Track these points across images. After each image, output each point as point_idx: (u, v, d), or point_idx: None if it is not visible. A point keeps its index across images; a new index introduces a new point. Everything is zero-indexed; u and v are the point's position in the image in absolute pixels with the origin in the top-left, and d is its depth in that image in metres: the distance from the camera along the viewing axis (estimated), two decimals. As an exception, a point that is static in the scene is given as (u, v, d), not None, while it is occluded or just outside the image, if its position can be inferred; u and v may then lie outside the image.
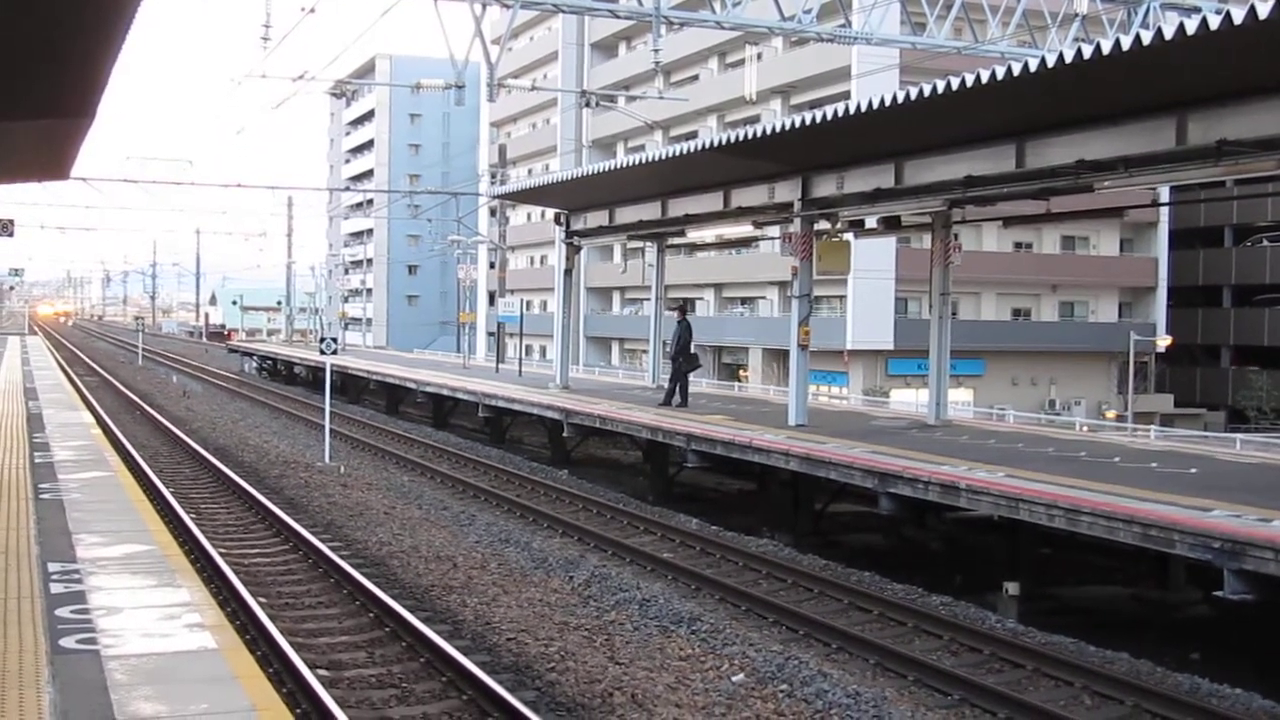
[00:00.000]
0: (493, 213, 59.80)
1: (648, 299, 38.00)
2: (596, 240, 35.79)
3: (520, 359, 44.01)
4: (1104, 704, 10.78)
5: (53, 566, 9.86)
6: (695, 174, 23.31)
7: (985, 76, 13.79)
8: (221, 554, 14.52)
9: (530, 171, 71.56)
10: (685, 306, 26.02)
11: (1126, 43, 11.91)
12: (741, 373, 54.76)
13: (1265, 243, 56.00)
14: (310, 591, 13.68)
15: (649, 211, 26.73)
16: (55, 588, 9.18)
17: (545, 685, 10.45)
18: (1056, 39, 22.97)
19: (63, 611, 8.49)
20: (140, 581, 9.52)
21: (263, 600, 12.53)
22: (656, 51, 21.70)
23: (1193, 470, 15.58)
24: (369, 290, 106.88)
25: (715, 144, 20.19)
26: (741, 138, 19.16)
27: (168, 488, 19.53)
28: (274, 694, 7.28)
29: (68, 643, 7.76)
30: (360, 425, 33.53)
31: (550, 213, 34.49)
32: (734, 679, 10.75)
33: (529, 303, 64.81)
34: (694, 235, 27.48)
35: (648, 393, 28.52)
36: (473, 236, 60.76)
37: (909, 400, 40.23)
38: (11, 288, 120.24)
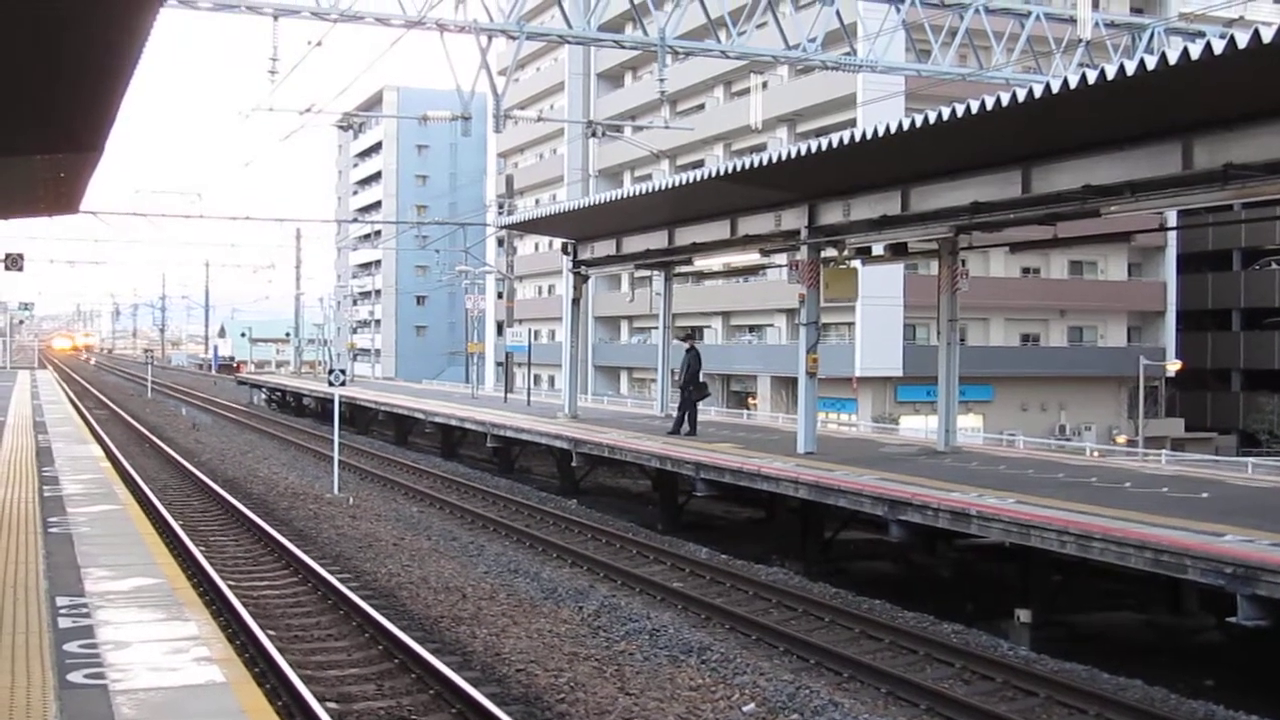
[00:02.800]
0: (500, 243, 59.94)
1: (656, 328, 37.98)
2: (604, 269, 35.85)
3: (529, 389, 43.99)
4: (1118, 732, 10.70)
5: (61, 600, 9.83)
6: (702, 202, 23.35)
7: (990, 103, 13.80)
8: (230, 587, 14.50)
9: (537, 201, 71.72)
10: (693, 335, 25.99)
11: (1131, 68, 11.92)
12: (750, 401, 54.68)
13: (1274, 266, 55.91)
14: (319, 624, 13.65)
15: (656, 240, 26.77)
16: (63, 622, 9.15)
17: (555, 716, 10.40)
18: (1061, 65, 23.02)
19: (71, 646, 8.46)
20: (148, 615, 9.49)
21: (272, 633, 12.50)
22: (662, 81, 21.81)
23: (1204, 495, 15.50)
24: (377, 321, 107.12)
25: (721, 172, 20.22)
26: (748, 166, 19.20)
27: (177, 520, 19.53)
28: (282, 728, 7.24)
29: (75, 677, 7.72)
30: (369, 456, 33.53)
31: (558, 242, 34.56)
32: (745, 709, 10.69)
33: (537, 332, 64.79)
34: (701, 263, 27.52)
35: (656, 421, 28.49)
36: (480, 267, 60.92)
37: (918, 427, 40.14)
38: (21, 321, 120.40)
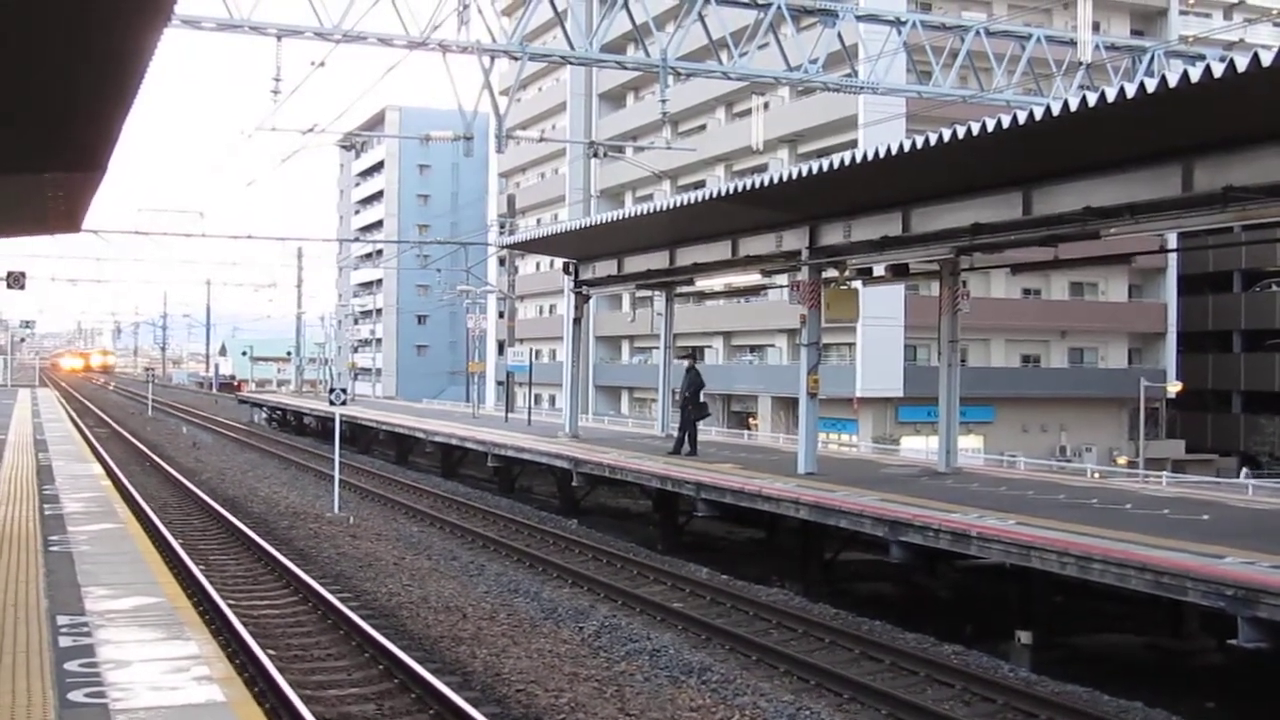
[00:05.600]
0: (502, 262, 59.98)
1: (657, 348, 38.01)
2: (605, 289, 35.89)
3: (529, 408, 44.02)
4: (1119, 754, 10.67)
5: (61, 619, 9.82)
6: (703, 223, 23.40)
7: (991, 125, 13.85)
8: (230, 606, 14.47)
9: (539, 221, 71.84)
10: (694, 355, 26.00)
11: (1132, 91, 11.96)
12: (751, 421, 54.66)
13: (1274, 287, 55.99)
14: (320, 643, 13.62)
15: (657, 260, 26.81)
16: (64, 641, 9.14)
17: (555, 737, 10.37)
18: (1062, 87, 23.10)
19: (71, 665, 8.45)
20: (149, 634, 9.48)
21: (272, 653, 12.47)
22: (664, 102, 21.89)
23: (1205, 517, 15.50)
24: (378, 340, 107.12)
25: (723, 193, 20.28)
26: (749, 187, 19.24)
27: (177, 539, 19.50)
28: (282, 747, 7.23)
29: (76, 696, 7.72)
30: (369, 475, 33.51)
31: (559, 262, 34.64)
32: (745, 730, 10.66)
33: (538, 352, 64.80)
34: (702, 284, 27.55)
35: (657, 441, 28.48)
36: (482, 286, 60.99)
37: (919, 447, 40.14)
38: (23, 339, 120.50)
